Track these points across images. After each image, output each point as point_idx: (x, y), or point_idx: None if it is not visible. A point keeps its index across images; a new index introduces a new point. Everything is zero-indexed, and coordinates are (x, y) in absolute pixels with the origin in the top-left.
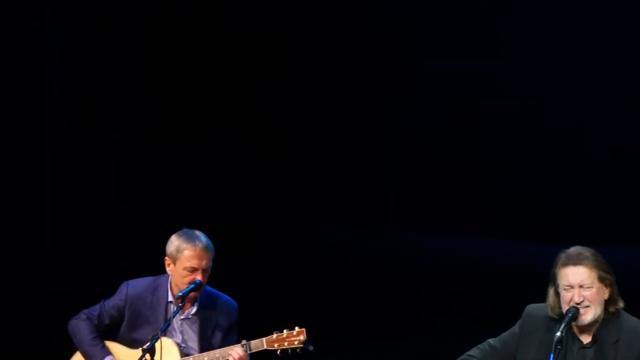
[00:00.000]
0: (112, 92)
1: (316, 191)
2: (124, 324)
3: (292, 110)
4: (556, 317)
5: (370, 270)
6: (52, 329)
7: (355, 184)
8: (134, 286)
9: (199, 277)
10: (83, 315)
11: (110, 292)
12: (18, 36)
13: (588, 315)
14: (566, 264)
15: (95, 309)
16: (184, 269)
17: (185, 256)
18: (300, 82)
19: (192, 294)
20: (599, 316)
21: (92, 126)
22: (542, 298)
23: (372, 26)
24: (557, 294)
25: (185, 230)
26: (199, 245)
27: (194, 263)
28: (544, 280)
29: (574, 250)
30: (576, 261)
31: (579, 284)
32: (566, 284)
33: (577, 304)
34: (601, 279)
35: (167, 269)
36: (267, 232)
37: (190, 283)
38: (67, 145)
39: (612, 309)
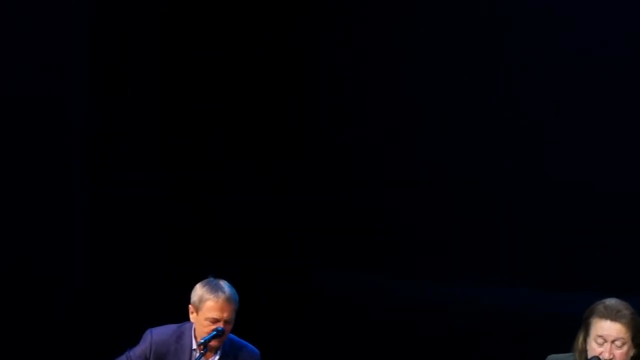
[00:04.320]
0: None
1: (337, 232)
2: None
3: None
4: None
5: (393, 317)
6: None
7: (380, 224)
8: (158, 333)
9: (220, 327)
10: None
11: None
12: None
13: None
14: (604, 316)
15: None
16: (206, 319)
17: (207, 307)
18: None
19: (214, 342)
20: None
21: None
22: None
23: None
24: (585, 342)
25: (210, 279)
26: (222, 296)
27: (215, 314)
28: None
29: (613, 303)
30: (615, 317)
31: (613, 340)
32: (600, 335)
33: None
34: (633, 339)
35: (191, 317)
36: (289, 277)
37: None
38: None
39: None
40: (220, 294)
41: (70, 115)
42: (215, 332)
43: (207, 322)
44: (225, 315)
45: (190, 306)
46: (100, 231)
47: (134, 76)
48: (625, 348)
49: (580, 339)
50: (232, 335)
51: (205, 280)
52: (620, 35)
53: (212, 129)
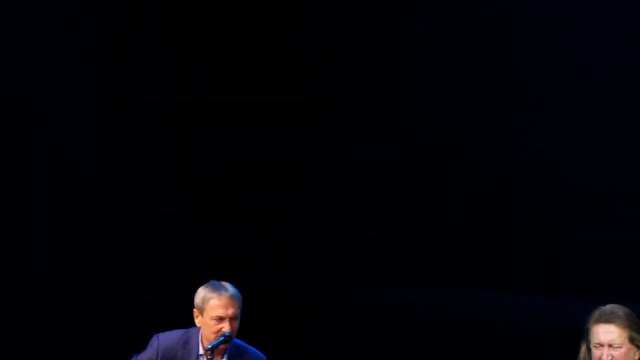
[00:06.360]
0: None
1: (359, 243)
2: None
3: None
4: None
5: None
6: None
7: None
8: (165, 339)
9: (226, 325)
10: None
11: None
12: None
13: None
14: (598, 321)
15: None
16: (212, 318)
17: (211, 306)
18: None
19: (221, 346)
20: None
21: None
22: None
23: None
24: (589, 350)
25: (212, 281)
26: (225, 294)
27: (220, 312)
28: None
29: (608, 307)
30: (608, 319)
31: (609, 343)
32: (596, 341)
33: None
34: (632, 340)
35: (196, 321)
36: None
37: (218, 332)
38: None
39: None
40: (223, 291)
41: (77, 116)
42: (222, 338)
43: (213, 322)
44: (230, 312)
45: (194, 310)
46: (109, 231)
47: (135, 76)
48: (623, 349)
49: (583, 348)
50: (238, 340)
51: (206, 283)
52: (621, 34)
53: (211, 129)
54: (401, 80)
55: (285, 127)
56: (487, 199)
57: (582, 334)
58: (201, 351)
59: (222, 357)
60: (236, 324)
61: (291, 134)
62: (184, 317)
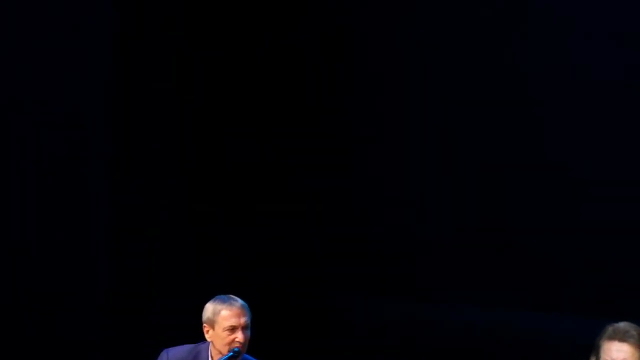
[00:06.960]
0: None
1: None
2: None
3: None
4: None
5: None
6: None
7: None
8: (174, 353)
9: (240, 335)
10: None
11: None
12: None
13: None
14: (612, 338)
15: None
16: (224, 329)
17: (223, 317)
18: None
19: None
20: None
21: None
22: None
23: None
24: None
25: (218, 295)
26: (236, 304)
27: (232, 322)
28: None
29: (622, 325)
30: (622, 338)
31: None
32: (608, 359)
33: None
34: None
35: (207, 336)
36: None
37: (232, 343)
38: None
39: None
40: (233, 302)
41: (77, 116)
42: (231, 353)
43: (226, 333)
44: (242, 321)
45: (204, 325)
46: (110, 231)
47: (135, 76)
48: None
49: None
50: (247, 355)
51: (213, 298)
52: (621, 34)
53: (211, 129)
54: (401, 80)
55: (285, 127)
56: (488, 199)
57: (591, 349)
58: None
59: None
60: (248, 333)
61: (291, 134)
62: (184, 317)
